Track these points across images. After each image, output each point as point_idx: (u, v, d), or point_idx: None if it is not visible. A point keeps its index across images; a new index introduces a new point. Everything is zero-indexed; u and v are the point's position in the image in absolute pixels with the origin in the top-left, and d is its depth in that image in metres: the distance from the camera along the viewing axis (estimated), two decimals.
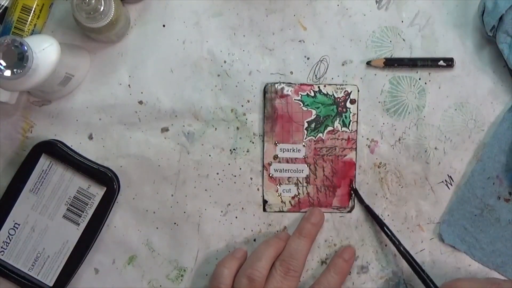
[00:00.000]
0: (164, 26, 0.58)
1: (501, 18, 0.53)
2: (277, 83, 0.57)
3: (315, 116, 0.57)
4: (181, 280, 0.58)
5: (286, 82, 0.57)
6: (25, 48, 0.47)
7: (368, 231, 0.58)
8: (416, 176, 0.58)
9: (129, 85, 0.58)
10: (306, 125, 0.57)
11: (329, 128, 0.57)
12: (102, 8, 0.51)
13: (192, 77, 0.58)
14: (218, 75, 0.58)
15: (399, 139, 0.58)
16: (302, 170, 0.57)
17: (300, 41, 0.58)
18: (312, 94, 0.57)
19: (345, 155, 0.57)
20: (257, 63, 0.58)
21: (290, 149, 0.57)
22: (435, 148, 0.57)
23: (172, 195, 0.58)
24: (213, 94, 0.58)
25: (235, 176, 0.58)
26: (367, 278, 0.58)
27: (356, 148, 0.57)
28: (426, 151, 0.57)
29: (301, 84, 0.57)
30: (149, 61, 0.58)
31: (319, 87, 0.57)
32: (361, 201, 0.57)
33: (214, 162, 0.58)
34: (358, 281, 0.58)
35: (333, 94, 0.57)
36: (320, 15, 0.58)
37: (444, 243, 0.57)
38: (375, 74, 0.58)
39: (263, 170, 0.57)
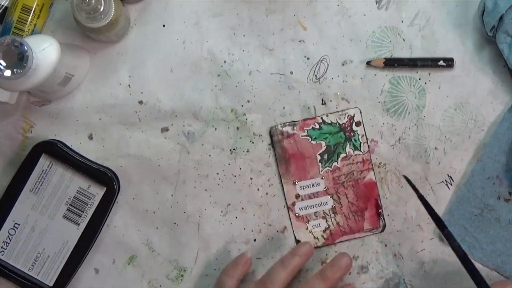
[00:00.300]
0: (164, 26, 0.58)
1: (501, 18, 0.53)
2: (280, 124, 0.57)
3: (325, 147, 0.57)
4: (181, 280, 0.58)
5: (289, 122, 0.57)
6: (25, 48, 0.47)
7: None
8: (416, 176, 0.58)
9: (129, 85, 0.58)
10: (319, 157, 0.57)
11: (342, 155, 0.57)
12: (102, 8, 0.51)
13: (192, 77, 0.58)
14: (218, 75, 0.58)
15: (399, 139, 0.58)
16: (327, 202, 0.57)
17: (300, 41, 0.58)
18: (317, 126, 0.57)
19: (364, 177, 0.57)
20: (257, 63, 0.58)
21: (310, 185, 0.57)
22: (435, 148, 0.57)
23: (172, 195, 0.58)
24: (213, 94, 0.58)
25: (235, 176, 0.58)
26: (367, 278, 0.58)
27: (373, 168, 0.57)
28: (426, 151, 0.57)
29: (304, 120, 0.57)
30: (149, 61, 0.58)
31: (322, 118, 0.57)
32: (415, 189, 0.53)
33: (214, 162, 0.58)
34: (358, 281, 0.58)
35: (337, 122, 0.57)
36: (320, 15, 0.58)
37: (444, 243, 0.57)
38: (375, 74, 0.58)
39: (288, 211, 0.57)
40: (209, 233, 0.58)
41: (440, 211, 0.57)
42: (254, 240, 0.58)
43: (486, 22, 0.54)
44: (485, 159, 0.56)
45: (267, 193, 0.58)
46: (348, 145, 0.57)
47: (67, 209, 0.56)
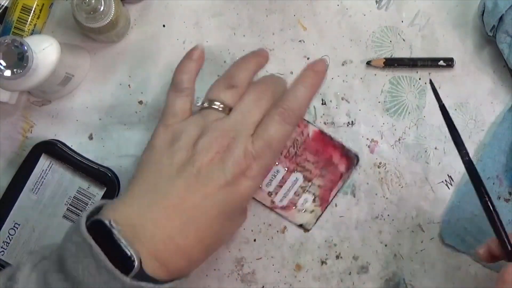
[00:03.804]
0: (164, 26, 0.58)
1: (501, 18, 0.53)
2: None
3: None
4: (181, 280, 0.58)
5: None
6: (25, 48, 0.47)
7: (368, 231, 0.58)
8: (416, 176, 0.58)
9: (129, 85, 0.58)
10: None
11: None
12: (102, 8, 0.51)
13: None
14: (218, 75, 0.58)
15: (399, 139, 0.58)
16: (296, 178, 0.57)
17: (300, 41, 0.58)
18: None
19: (308, 134, 0.57)
20: None
21: (272, 177, 0.57)
22: (435, 148, 0.57)
23: None
24: None
25: None
26: (367, 278, 0.58)
27: (308, 122, 0.57)
28: (426, 151, 0.57)
29: None
30: (149, 61, 0.58)
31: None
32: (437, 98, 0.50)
33: None
34: (358, 281, 0.58)
35: None
36: (320, 15, 0.58)
37: (444, 243, 0.57)
38: (375, 74, 0.58)
39: (274, 211, 0.57)
40: None
41: (440, 211, 0.57)
42: (254, 240, 0.58)
43: (486, 22, 0.54)
44: (485, 159, 0.56)
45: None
46: None
47: (67, 209, 0.56)
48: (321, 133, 0.57)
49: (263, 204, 0.57)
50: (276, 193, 0.57)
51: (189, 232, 0.45)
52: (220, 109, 0.49)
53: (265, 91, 0.49)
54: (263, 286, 0.58)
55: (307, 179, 0.57)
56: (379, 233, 0.58)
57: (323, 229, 0.58)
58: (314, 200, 0.57)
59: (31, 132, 0.58)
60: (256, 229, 0.58)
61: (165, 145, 0.47)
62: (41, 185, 0.56)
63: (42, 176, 0.56)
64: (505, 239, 0.47)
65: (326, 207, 0.57)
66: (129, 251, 0.42)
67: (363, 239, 0.58)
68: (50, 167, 0.56)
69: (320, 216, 0.57)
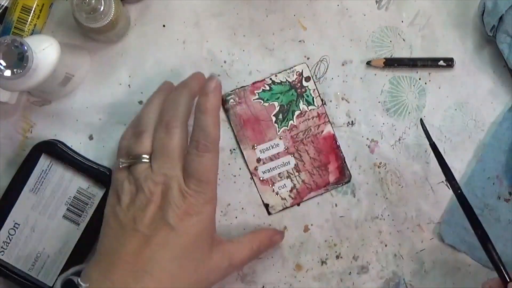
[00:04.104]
0: (164, 26, 0.58)
1: (501, 18, 0.53)
2: (231, 91, 0.57)
3: (279, 107, 0.57)
4: None
5: (239, 87, 0.57)
6: (25, 48, 0.47)
7: (368, 231, 0.58)
8: (416, 176, 0.58)
9: (129, 85, 0.58)
10: (274, 119, 0.57)
11: (297, 112, 0.57)
12: (102, 8, 0.51)
13: None
14: (218, 75, 0.58)
15: (399, 139, 0.58)
16: (289, 162, 0.57)
17: (300, 41, 0.58)
18: (267, 88, 0.57)
19: (322, 131, 0.57)
20: (257, 63, 0.58)
21: (269, 147, 0.57)
22: None
23: None
24: None
25: (235, 176, 0.58)
26: (367, 278, 0.58)
27: (329, 121, 0.57)
28: (426, 151, 0.57)
29: (253, 83, 0.57)
30: (149, 61, 0.58)
31: (271, 78, 0.57)
32: (428, 137, 0.53)
33: None
34: (358, 281, 0.58)
35: (286, 80, 0.57)
36: (320, 15, 0.58)
37: (444, 243, 0.57)
38: (375, 74, 0.58)
39: (252, 177, 0.57)
40: None
41: (440, 211, 0.57)
42: None
43: (486, 22, 0.54)
44: (485, 159, 0.56)
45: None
46: (301, 102, 0.57)
47: (67, 209, 0.56)
48: (334, 137, 0.57)
49: (246, 165, 0.57)
50: (264, 163, 0.57)
51: (145, 282, 0.47)
52: (144, 160, 0.51)
53: (170, 121, 0.51)
54: (263, 286, 0.58)
55: (297, 168, 0.57)
56: (379, 233, 0.58)
57: (323, 229, 0.58)
58: (291, 191, 0.57)
59: (31, 132, 0.58)
60: (256, 229, 0.58)
61: (112, 208, 0.51)
62: (41, 185, 0.56)
63: (42, 176, 0.56)
64: (503, 271, 0.49)
65: (297, 204, 0.57)
66: None
67: (363, 239, 0.58)
68: (50, 167, 0.56)
69: (286, 208, 0.57)
